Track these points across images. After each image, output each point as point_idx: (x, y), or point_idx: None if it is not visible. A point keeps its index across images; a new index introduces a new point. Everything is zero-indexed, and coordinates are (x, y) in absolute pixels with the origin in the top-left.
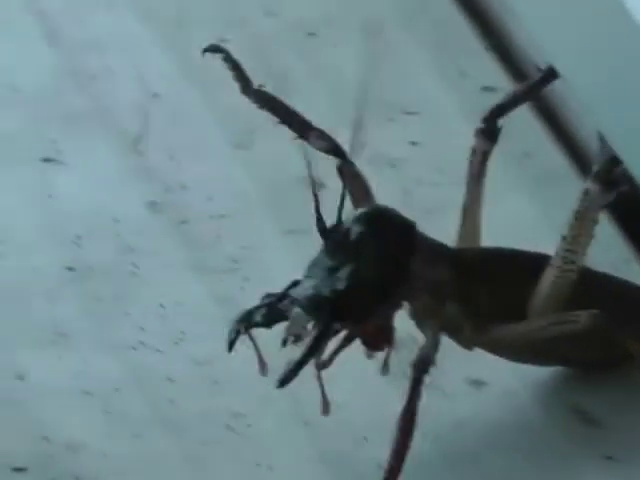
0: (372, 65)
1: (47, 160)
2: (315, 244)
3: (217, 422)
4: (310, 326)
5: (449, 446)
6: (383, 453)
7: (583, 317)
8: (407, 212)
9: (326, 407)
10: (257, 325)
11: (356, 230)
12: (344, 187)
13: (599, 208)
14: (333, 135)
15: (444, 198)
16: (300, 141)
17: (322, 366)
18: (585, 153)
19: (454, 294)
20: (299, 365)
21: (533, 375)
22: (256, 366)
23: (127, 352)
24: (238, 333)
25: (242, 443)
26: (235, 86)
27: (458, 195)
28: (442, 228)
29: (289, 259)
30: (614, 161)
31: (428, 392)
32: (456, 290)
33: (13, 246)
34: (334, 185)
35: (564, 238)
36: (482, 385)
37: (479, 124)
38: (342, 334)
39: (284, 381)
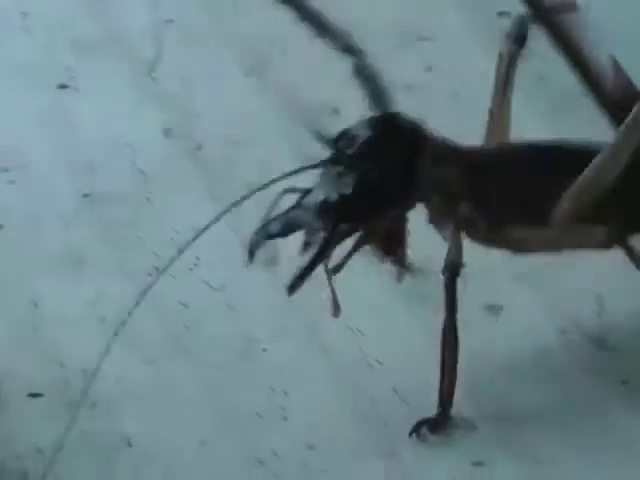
0: None
1: (62, 87)
2: None
3: (231, 347)
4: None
5: (465, 372)
6: (399, 378)
7: (605, 233)
8: None
9: (336, 309)
10: (273, 236)
11: (362, 134)
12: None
13: None
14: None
15: (460, 124)
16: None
17: (334, 270)
18: (600, 78)
19: (468, 194)
20: (307, 270)
21: (550, 300)
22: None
23: (142, 278)
24: (258, 244)
25: (257, 368)
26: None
27: (474, 121)
28: None
29: (305, 184)
30: None
31: None
32: (469, 190)
33: (29, 173)
34: (347, 113)
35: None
36: (499, 310)
37: (508, 30)
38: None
39: (293, 287)
